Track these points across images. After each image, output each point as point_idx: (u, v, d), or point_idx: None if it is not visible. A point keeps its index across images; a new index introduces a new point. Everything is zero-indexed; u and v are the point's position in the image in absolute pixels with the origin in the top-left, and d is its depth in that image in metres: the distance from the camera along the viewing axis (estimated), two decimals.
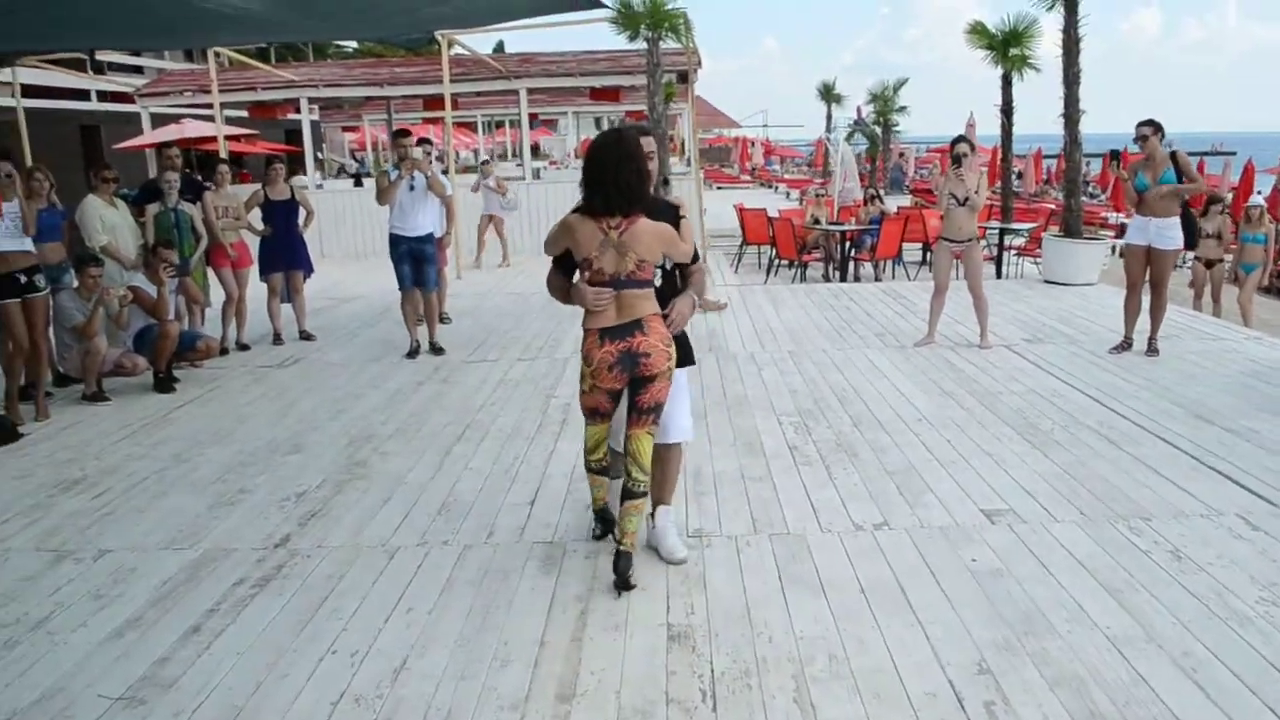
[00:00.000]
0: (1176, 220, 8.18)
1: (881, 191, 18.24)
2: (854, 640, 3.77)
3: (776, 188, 35.64)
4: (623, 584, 4.23)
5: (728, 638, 3.82)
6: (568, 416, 6.85)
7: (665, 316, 4.23)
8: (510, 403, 7.28)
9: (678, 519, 4.84)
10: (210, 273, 9.45)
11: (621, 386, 4.26)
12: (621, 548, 4.26)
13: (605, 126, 46.51)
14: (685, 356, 4.50)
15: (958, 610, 3.98)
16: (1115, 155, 8.36)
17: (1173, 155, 8.16)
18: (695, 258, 4.40)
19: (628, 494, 4.26)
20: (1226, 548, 4.52)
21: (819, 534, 4.77)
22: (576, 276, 4.31)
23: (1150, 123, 8.20)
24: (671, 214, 4.32)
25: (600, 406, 4.37)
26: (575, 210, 4.22)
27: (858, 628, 3.87)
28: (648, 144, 4.36)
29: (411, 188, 8.62)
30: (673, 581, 4.31)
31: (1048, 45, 22.13)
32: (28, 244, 7.05)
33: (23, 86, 13.97)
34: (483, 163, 17.88)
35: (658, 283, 4.28)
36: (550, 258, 4.44)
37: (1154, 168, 8.17)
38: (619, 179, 4.05)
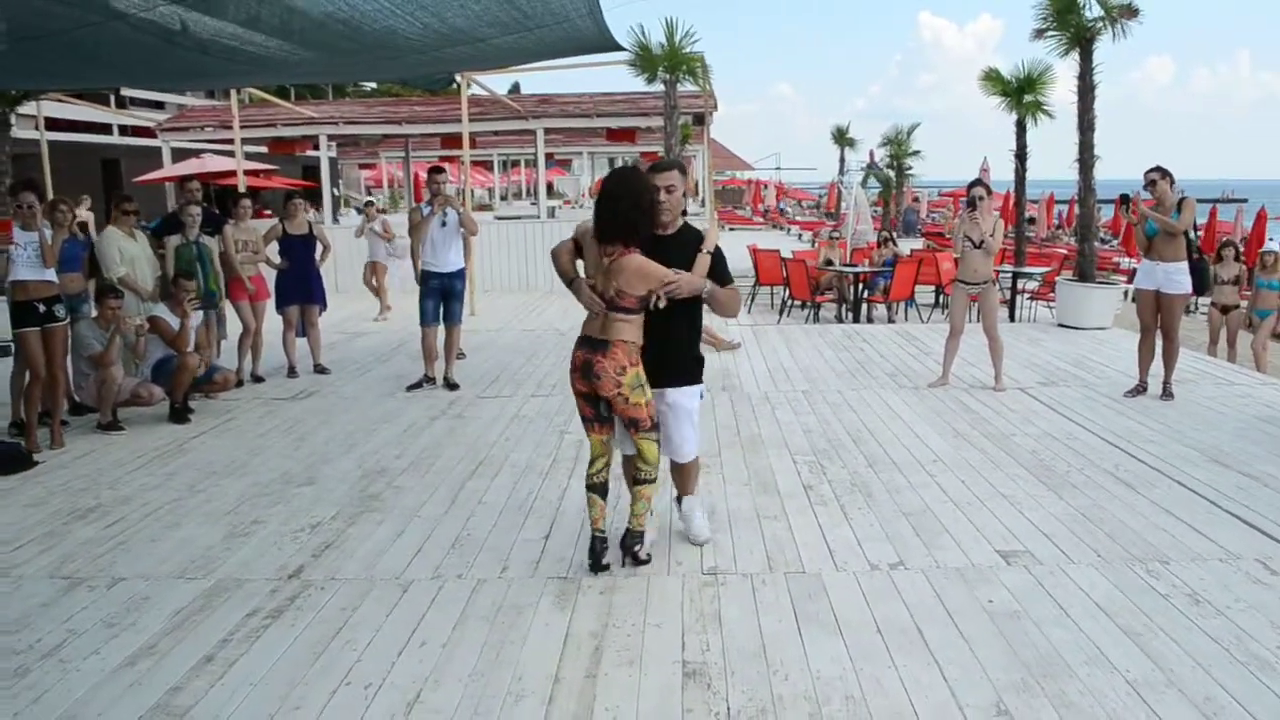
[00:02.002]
0: (1184, 265, 8.18)
1: (895, 234, 18.30)
2: (871, 680, 3.74)
3: (789, 229, 35.80)
4: (630, 557, 4.78)
5: (744, 676, 3.79)
6: (580, 453, 6.84)
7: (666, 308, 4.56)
8: (524, 438, 7.28)
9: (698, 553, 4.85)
10: (228, 304, 9.52)
11: (587, 392, 4.63)
12: (629, 526, 4.83)
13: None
14: (692, 375, 4.83)
15: (975, 651, 3.95)
16: (1125, 199, 8.37)
17: (1180, 201, 8.18)
18: (730, 279, 4.79)
19: (634, 480, 4.79)
20: (1245, 592, 4.48)
21: (834, 573, 4.75)
22: (582, 272, 4.70)
23: (1159, 169, 8.26)
24: (694, 244, 4.59)
25: (583, 411, 4.76)
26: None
27: (875, 668, 3.84)
28: (669, 177, 4.61)
29: (444, 224, 8.69)
30: (688, 619, 4.28)
31: (1061, 92, 22.25)
32: (49, 274, 7.12)
33: (46, 120, 14.18)
34: (366, 204, 17.24)
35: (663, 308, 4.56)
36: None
37: (1163, 213, 8.19)
38: (618, 213, 4.44)
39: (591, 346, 4.56)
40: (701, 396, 4.94)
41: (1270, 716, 3.46)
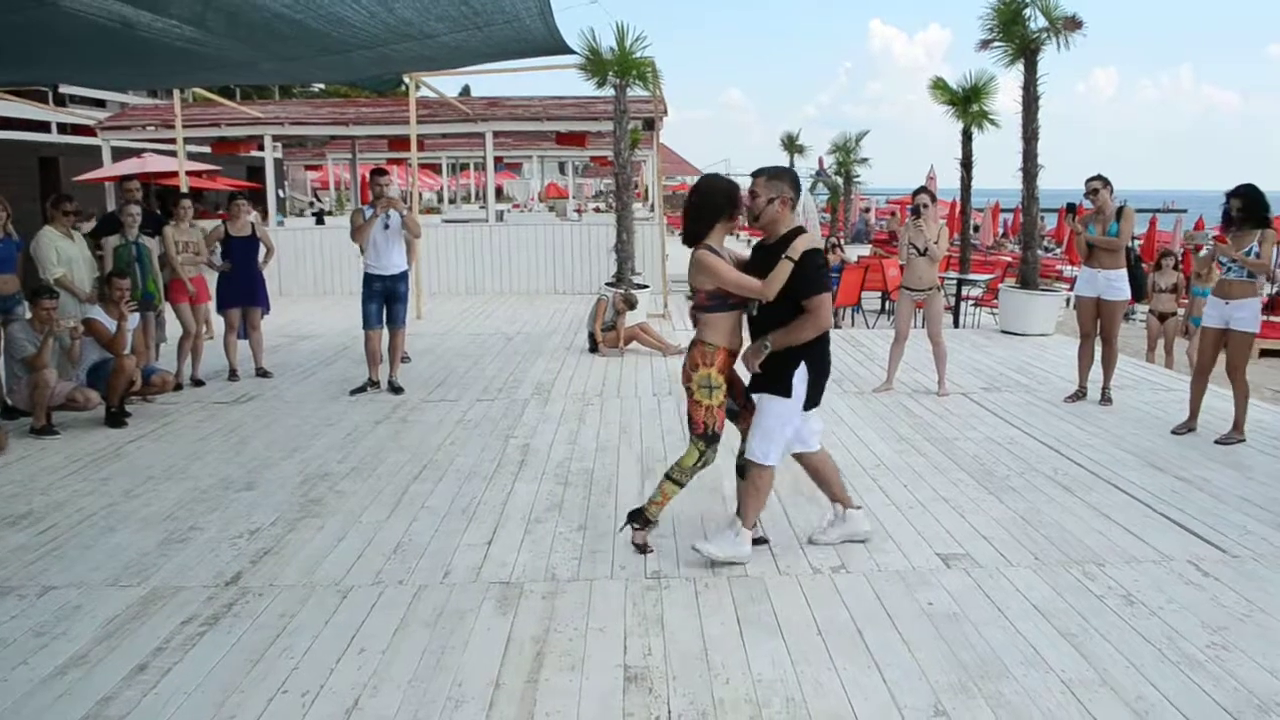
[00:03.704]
0: (1124, 272, 8.34)
1: (843, 241, 18.44)
2: (811, 683, 3.75)
3: (739, 235, 35.93)
4: (631, 531, 5.09)
5: (685, 679, 3.79)
6: (526, 457, 6.83)
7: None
8: (469, 443, 7.23)
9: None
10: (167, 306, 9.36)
11: (683, 383, 4.95)
12: (642, 505, 5.16)
13: (569, 171, 46.53)
14: (775, 384, 4.79)
15: (914, 653, 3.98)
16: (1071, 208, 8.52)
17: (1119, 210, 8.33)
18: (811, 293, 4.65)
19: (666, 473, 5.03)
20: (1178, 593, 4.57)
21: (777, 576, 4.77)
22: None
23: (1100, 177, 8.40)
24: (781, 249, 4.64)
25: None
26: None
27: (815, 670, 3.85)
28: (755, 184, 4.81)
29: (386, 226, 8.62)
30: (630, 622, 4.28)
31: (1007, 102, 22.55)
32: None
33: None
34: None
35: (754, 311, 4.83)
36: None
37: (1104, 221, 8.34)
38: (686, 216, 4.87)
39: (691, 344, 4.90)
40: (794, 408, 4.83)
41: (1199, 714, 3.52)
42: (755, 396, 4.89)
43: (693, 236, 4.80)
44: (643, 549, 5.03)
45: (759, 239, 4.92)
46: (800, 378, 4.74)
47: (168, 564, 4.99)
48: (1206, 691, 3.68)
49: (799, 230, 4.73)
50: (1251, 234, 7.11)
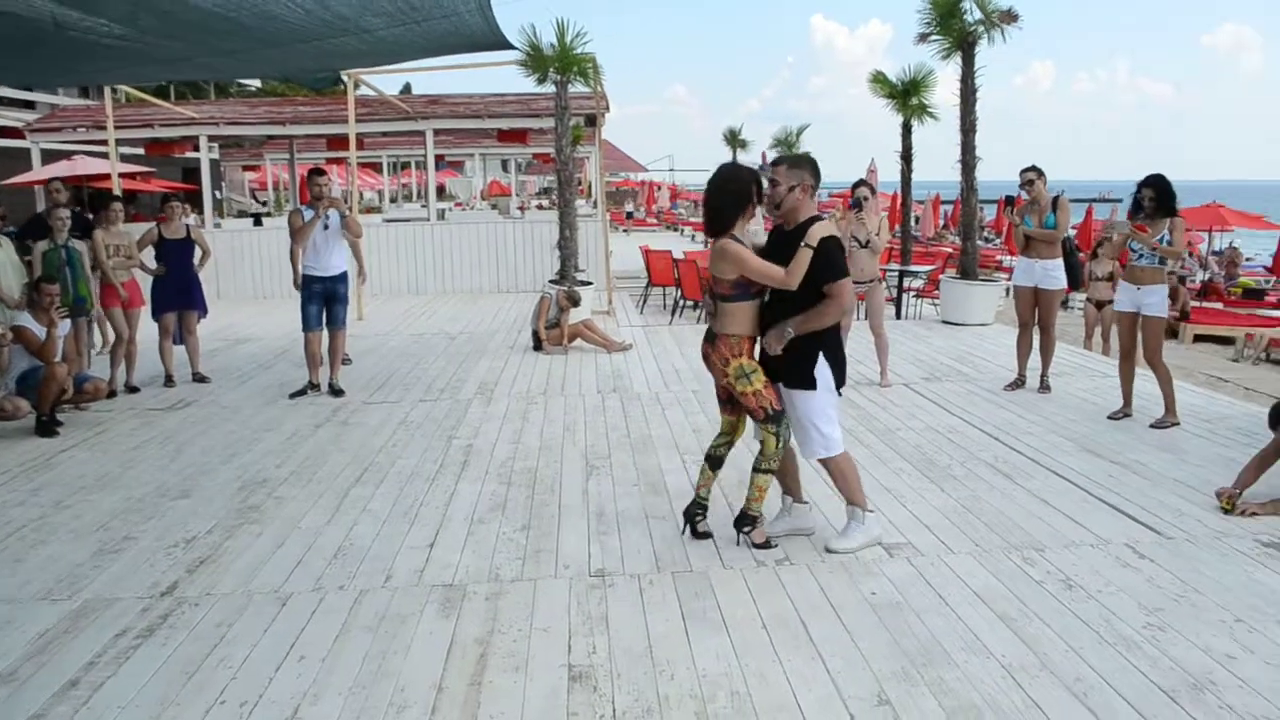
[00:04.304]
0: (1060, 261, 8.48)
1: None
2: (756, 676, 3.76)
3: (683, 230, 36.02)
4: (744, 537, 5.05)
5: (630, 677, 3.77)
6: (468, 458, 6.77)
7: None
8: (411, 444, 7.16)
9: (582, 557, 4.83)
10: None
11: (718, 380, 4.99)
12: (742, 507, 5.05)
13: (512, 168, 46.33)
14: (802, 378, 4.81)
15: (858, 643, 4.00)
16: (1009, 200, 8.65)
17: (1055, 200, 8.46)
18: (832, 278, 4.67)
19: (754, 465, 4.95)
20: (1115, 576, 4.64)
21: (721, 570, 4.77)
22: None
23: (1034, 168, 8.54)
24: (799, 236, 4.68)
25: (719, 394, 5.13)
26: None
27: (760, 663, 3.86)
28: (775, 171, 4.84)
29: (325, 227, 8.50)
30: (575, 621, 4.25)
31: (946, 95, 22.85)
32: None
33: None
34: None
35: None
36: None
37: (1040, 211, 8.47)
38: (708, 205, 4.89)
39: (707, 339, 4.95)
40: (827, 397, 4.85)
41: (1135, 693, 3.58)
42: (789, 391, 4.89)
43: (717, 227, 4.81)
44: (765, 545, 5.00)
45: (774, 226, 4.97)
46: (822, 367, 4.79)
47: (101, 576, 4.87)
48: (1143, 671, 3.74)
49: (816, 218, 4.78)
50: (1162, 222, 7.29)
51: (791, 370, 4.81)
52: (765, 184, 4.84)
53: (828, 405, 4.85)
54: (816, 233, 4.64)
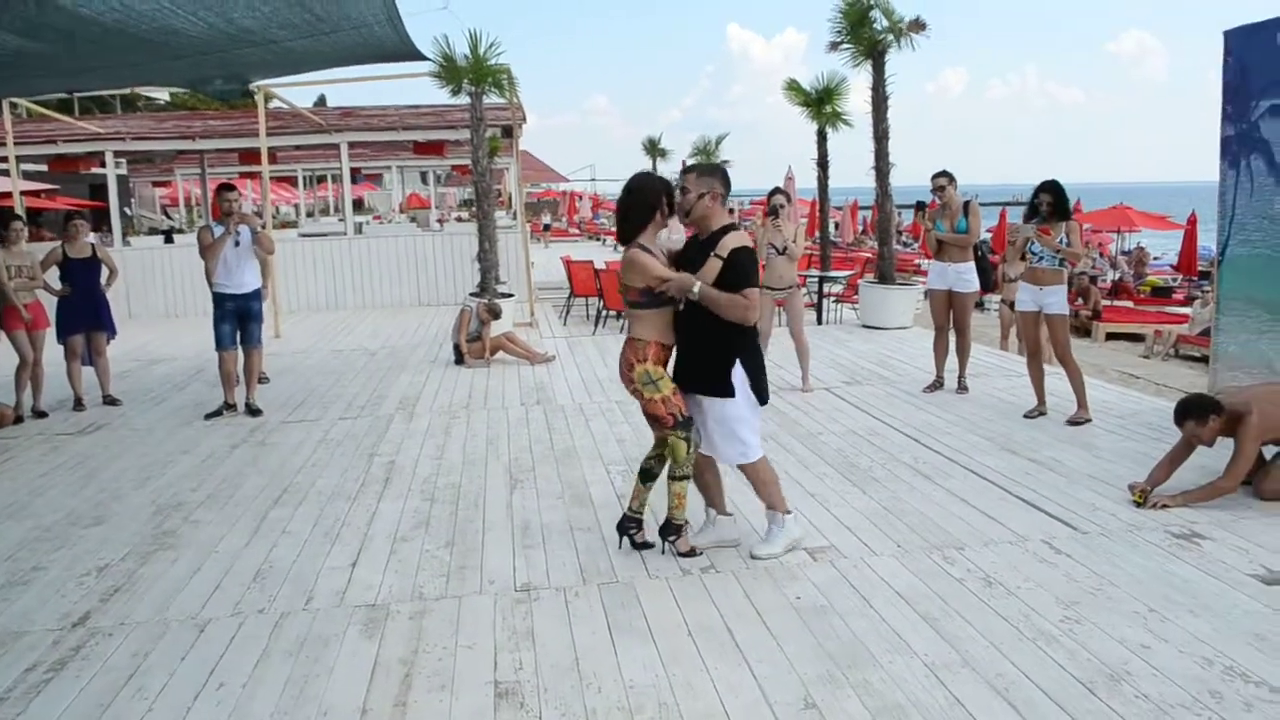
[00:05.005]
0: (972, 265, 8.68)
1: None
2: (683, 685, 3.75)
3: (604, 240, 36.05)
4: (670, 547, 5.03)
5: (556, 691, 3.75)
6: (390, 475, 6.68)
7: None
8: (331, 463, 7.03)
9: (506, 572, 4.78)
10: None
11: (627, 387, 4.94)
12: (667, 516, 5.01)
13: (431, 180, 45.90)
14: (716, 385, 4.79)
15: (783, 648, 4.03)
16: (921, 206, 8.84)
17: (966, 205, 8.65)
18: (742, 286, 4.66)
19: (669, 475, 4.92)
20: (1033, 571, 4.74)
21: (647, 580, 4.76)
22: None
23: (945, 173, 8.73)
24: (712, 245, 4.70)
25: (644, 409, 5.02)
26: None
27: (687, 672, 3.86)
28: (686, 179, 4.86)
29: (237, 243, 8.32)
30: (500, 637, 4.21)
31: (859, 102, 23.30)
32: None
33: None
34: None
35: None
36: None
37: (952, 216, 8.64)
38: (617, 214, 4.96)
39: (624, 344, 4.92)
40: (745, 404, 4.82)
41: (1054, 686, 3.65)
42: (702, 401, 4.87)
43: (626, 235, 4.84)
44: (691, 554, 4.97)
45: (691, 235, 4.96)
46: (739, 376, 4.78)
47: (9, 609, 4.70)
48: (1061, 665, 3.82)
49: (730, 227, 4.78)
50: (1059, 225, 7.54)
51: (708, 378, 4.82)
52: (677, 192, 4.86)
53: (746, 412, 4.85)
54: (728, 243, 4.67)
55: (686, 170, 4.94)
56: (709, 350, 4.78)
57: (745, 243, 4.74)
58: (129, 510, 6.12)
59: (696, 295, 4.64)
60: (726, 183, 4.86)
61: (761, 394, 4.89)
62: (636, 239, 4.79)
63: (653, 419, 4.91)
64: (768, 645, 4.06)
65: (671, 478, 4.91)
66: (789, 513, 5.09)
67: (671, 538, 5.01)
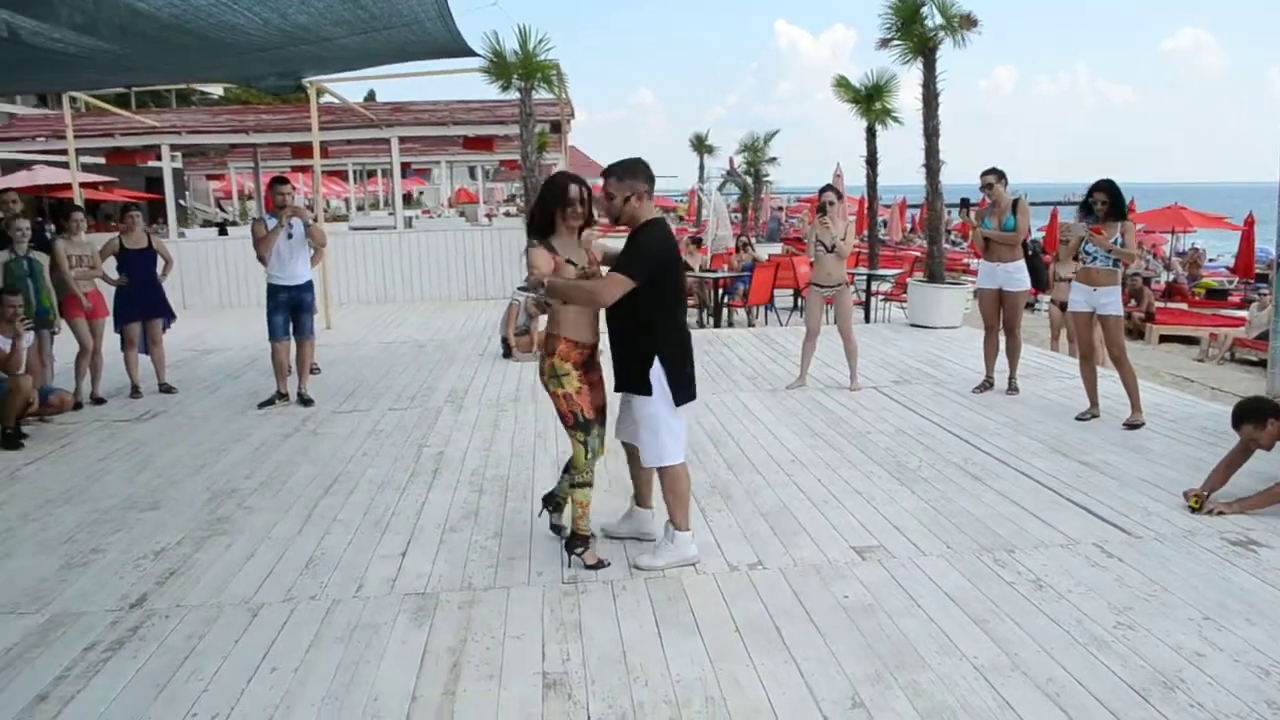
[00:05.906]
0: (1022, 263, 8.57)
1: (754, 240, 18.61)
2: (730, 680, 3.76)
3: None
4: (577, 558, 4.91)
5: (604, 683, 3.77)
6: (439, 466, 6.74)
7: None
8: (381, 453, 7.12)
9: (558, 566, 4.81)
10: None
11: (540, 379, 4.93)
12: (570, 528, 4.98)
13: (479, 175, 46.21)
14: (637, 382, 4.76)
15: (831, 646, 4.02)
16: (965, 203, 8.73)
17: (1015, 203, 8.54)
18: (620, 267, 4.65)
19: (570, 482, 4.93)
20: (1084, 576, 4.69)
21: (694, 575, 4.77)
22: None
23: (994, 171, 8.61)
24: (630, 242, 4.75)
25: None
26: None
27: (733, 667, 3.86)
28: (608, 186, 4.75)
29: (290, 235, 8.43)
30: (548, 628, 4.24)
31: (909, 99, 23.16)
32: None
33: None
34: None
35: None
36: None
37: (999, 214, 8.54)
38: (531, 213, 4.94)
39: None
40: (663, 405, 4.76)
41: (1106, 692, 3.62)
42: (632, 399, 4.86)
43: (530, 231, 4.91)
44: (598, 565, 4.86)
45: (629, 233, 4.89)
46: (657, 375, 4.71)
47: (68, 589, 4.81)
48: (1114, 671, 3.78)
49: (652, 221, 4.74)
50: (1114, 225, 7.41)
51: (628, 375, 4.80)
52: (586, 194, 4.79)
53: (663, 410, 4.75)
54: (593, 236, 4.83)
55: (607, 173, 4.79)
56: (628, 347, 4.77)
57: (655, 218, 4.75)
58: (184, 496, 6.24)
59: (544, 292, 4.68)
60: (649, 177, 4.82)
61: (681, 392, 4.77)
62: (547, 236, 4.77)
63: (558, 414, 4.89)
64: (815, 643, 4.05)
65: (573, 485, 4.87)
66: (687, 531, 4.93)
67: (579, 549, 4.90)
